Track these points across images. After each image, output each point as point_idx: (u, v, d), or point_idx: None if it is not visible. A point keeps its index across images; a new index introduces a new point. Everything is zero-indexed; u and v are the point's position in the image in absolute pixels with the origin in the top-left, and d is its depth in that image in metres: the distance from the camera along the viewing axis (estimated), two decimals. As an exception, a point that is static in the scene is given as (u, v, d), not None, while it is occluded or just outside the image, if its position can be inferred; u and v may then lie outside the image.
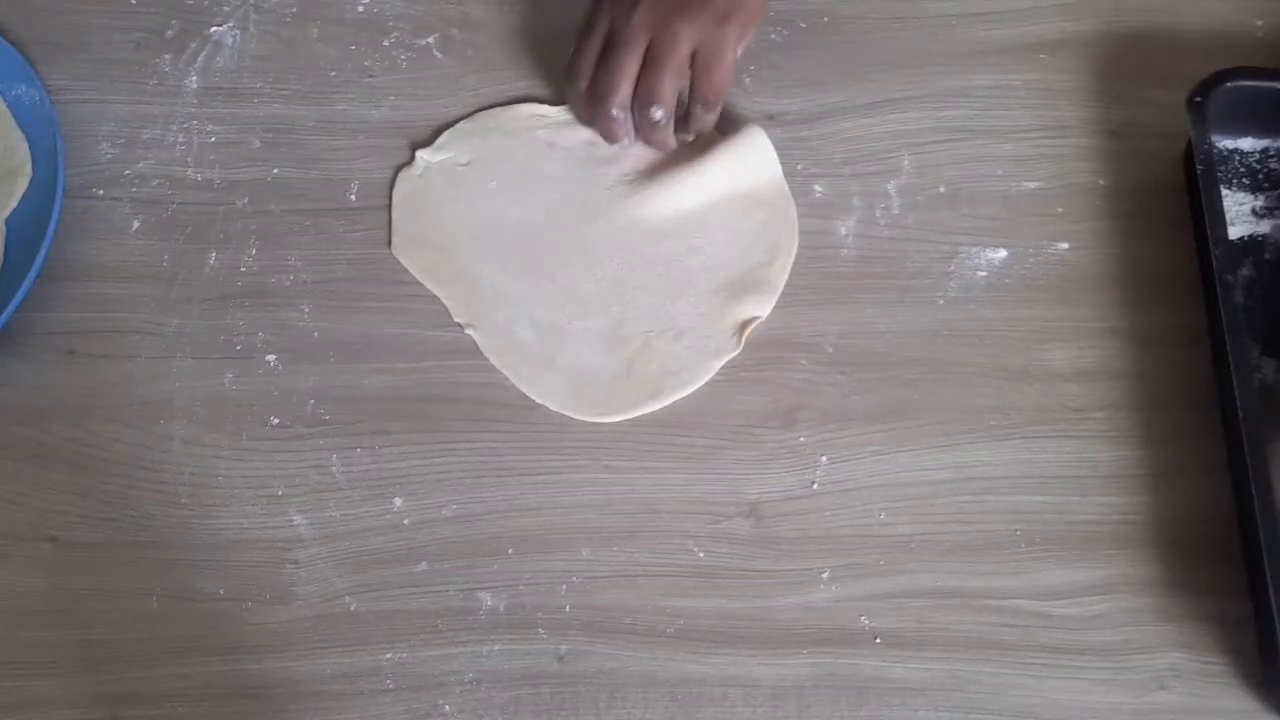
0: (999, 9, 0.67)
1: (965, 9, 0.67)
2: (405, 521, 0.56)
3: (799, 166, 0.63)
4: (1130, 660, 0.53)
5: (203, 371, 0.60)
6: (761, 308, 0.60)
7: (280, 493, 0.57)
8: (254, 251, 0.62)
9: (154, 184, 0.64)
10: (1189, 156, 0.60)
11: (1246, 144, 0.63)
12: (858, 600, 0.54)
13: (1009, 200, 0.62)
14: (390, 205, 0.63)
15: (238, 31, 0.68)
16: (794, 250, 0.61)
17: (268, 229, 0.63)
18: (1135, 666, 0.53)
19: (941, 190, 0.63)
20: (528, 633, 0.54)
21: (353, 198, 0.64)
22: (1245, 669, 0.53)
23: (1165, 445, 0.57)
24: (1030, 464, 0.57)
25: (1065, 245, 0.61)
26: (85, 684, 0.54)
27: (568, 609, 0.55)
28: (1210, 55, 0.63)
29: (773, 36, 0.66)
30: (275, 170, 0.64)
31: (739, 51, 0.60)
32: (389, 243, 0.62)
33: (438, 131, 0.65)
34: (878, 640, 0.54)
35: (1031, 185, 0.63)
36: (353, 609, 0.55)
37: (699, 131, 0.62)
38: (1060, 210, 0.62)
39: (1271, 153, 0.62)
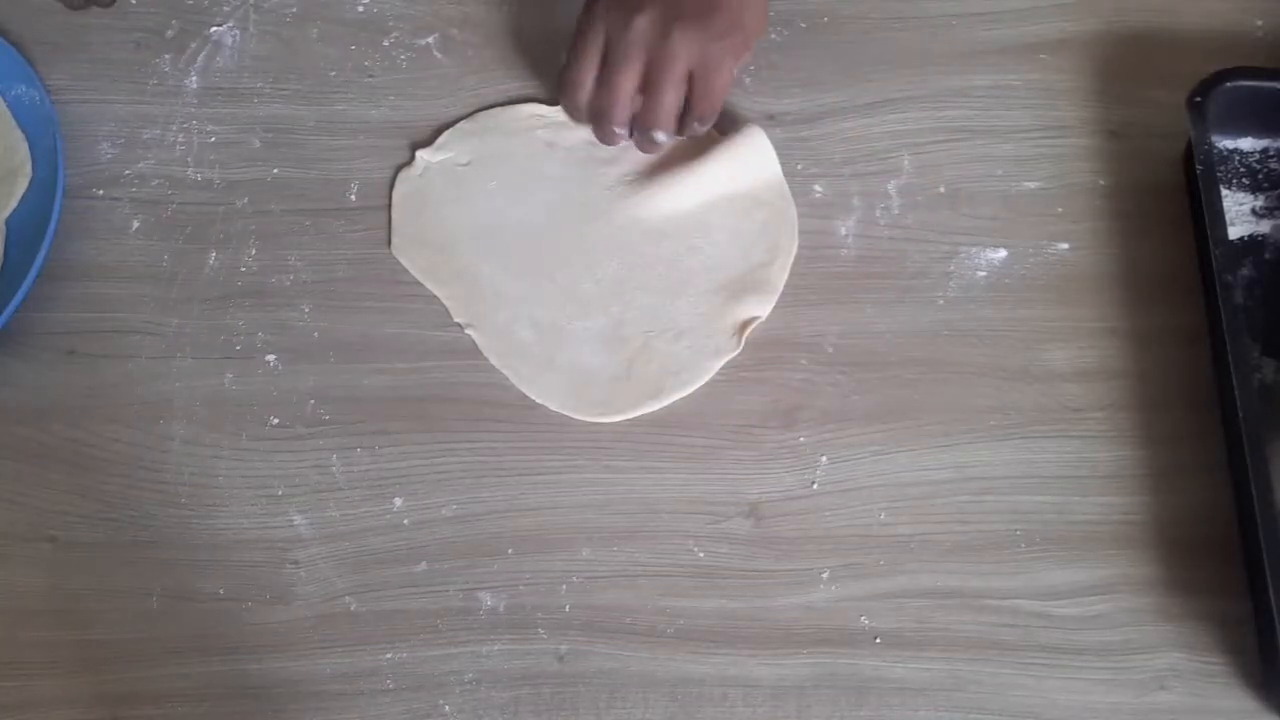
0: (999, 9, 0.67)
1: (965, 9, 0.67)
2: (405, 521, 0.56)
3: (799, 166, 0.63)
4: (1130, 660, 0.53)
5: (203, 371, 0.60)
6: (761, 308, 0.60)
7: (280, 493, 0.57)
8: (254, 251, 0.62)
9: (154, 184, 0.64)
10: (1189, 156, 0.60)
11: (1246, 144, 0.63)
12: (858, 600, 0.54)
13: (1009, 200, 0.62)
14: (390, 205, 0.63)
15: (238, 31, 0.68)
16: (794, 250, 0.61)
17: (268, 229, 0.63)
18: (1135, 666, 0.53)
19: (941, 190, 0.63)
20: (528, 633, 0.54)
21: (353, 198, 0.64)
22: (1245, 669, 0.53)
23: (1165, 445, 0.57)
24: (1030, 464, 0.57)
25: (1065, 245, 0.61)
26: (85, 684, 0.54)
27: (568, 609, 0.55)
28: (1210, 55, 0.63)
29: (773, 36, 0.66)
30: (275, 170, 0.64)
31: (736, 70, 0.60)
32: (389, 243, 0.62)
33: (438, 131, 0.65)
34: (878, 640, 0.54)
35: (1031, 185, 0.63)
36: (353, 609, 0.55)
37: (693, 137, 0.62)
38: (1060, 210, 0.62)
39: (1271, 153, 0.62)
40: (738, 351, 0.59)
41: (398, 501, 0.57)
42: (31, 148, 0.64)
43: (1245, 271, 0.60)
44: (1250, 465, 0.51)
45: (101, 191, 0.64)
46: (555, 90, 0.66)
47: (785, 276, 0.61)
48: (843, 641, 0.54)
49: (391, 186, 0.64)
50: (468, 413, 0.58)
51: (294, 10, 0.69)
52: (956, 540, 0.55)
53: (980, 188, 0.63)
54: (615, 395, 0.58)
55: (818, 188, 0.63)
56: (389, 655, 0.54)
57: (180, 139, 0.65)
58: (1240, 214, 0.61)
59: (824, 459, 0.57)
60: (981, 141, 0.64)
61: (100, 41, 0.68)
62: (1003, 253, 0.61)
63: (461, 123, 0.65)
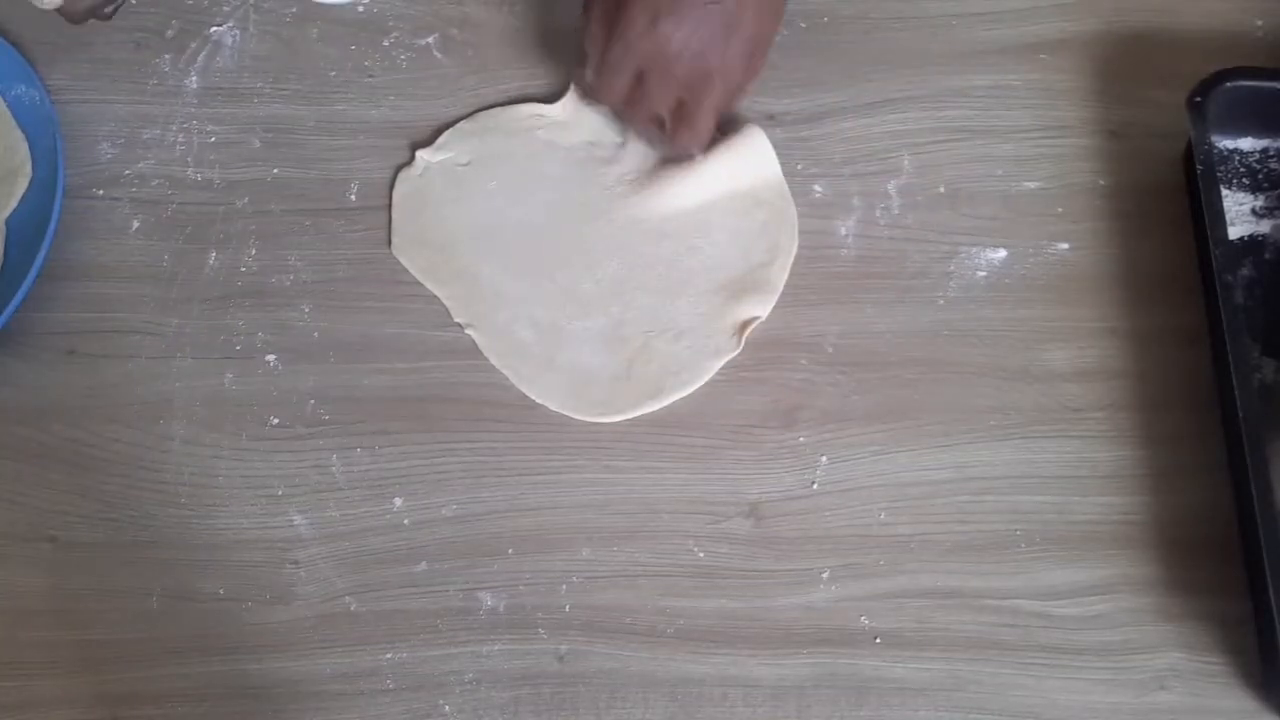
0: (999, 9, 0.67)
1: (965, 9, 0.67)
2: (405, 521, 0.56)
3: (799, 166, 0.63)
4: (1130, 660, 0.53)
5: (203, 371, 0.60)
6: (761, 308, 0.60)
7: (280, 493, 0.57)
8: (254, 251, 0.62)
9: (154, 184, 0.64)
10: (1189, 156, 0.60)
11: (1246, 144, 0.63)
12: (858, 600, 0.54)
13: (1009, 200, 0.62)
14: (390, 205, 0.63)
15: (238, 31, 0.68)
16: (794, 250, 0.61)
17: (268, 229, 0.63)
18: (1135, 666, 0.53)
19: (941, 190, 0.63)
20: (528, 633, 0.54)
21: (353, 198, 0.64)
22: (1245, 669, 0.53)
23: (1165, 445, 0.57)
24: (1030, 464, 0.57)
25: (1065, 245, 0.61)
26: (85, 684, 0.54)
27: (568, 609, 0.55)
28: (1210, 55, 0.63)
29: (773, 36, 0.66)
30: (275, 170, 0.64)
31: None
32: (389, 243, 0.62)
33: (438, 131, 0.65)
34: (878, 640, 0.54)
35: (1031, 185, 0.63)
36: (353, 609, 0.55)
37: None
38: (1060, 210, 0.62)
39: (1271, 153, 0.62)
40: (738, 351, 0.59)
41: (398, 501, 0.57)
42: (31, 148, 0.64)
43: (1245, 271, 0.60)
44: (1250, 465, 0.51)
45: (101, 191, 0.64)
46: (555, 90, 0.66)
47: (785, 276, 0.61)
48: (843, 641, 0.54)
49: (391, 186, 0.64)
50: (468, 413, 0.58)
51: (294, 10, 0.69)
52: (956, 540, 0.55)
53: (980, 188, 0.63)
54: (615, 395, 0.58)
55: (818, 188, 0.63)
56: (389, 655, 0.54)
57: (180, 139, 0.65)
58: (1240, 214, 0.61)
59: (824, 459, 0.57)
60: (981, 141, 0.64)
61: (100, 41, 0.68)
62: (1003, 253, 0.61)
63: (461, 123, 0.65)
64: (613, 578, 0.55)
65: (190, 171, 0.64)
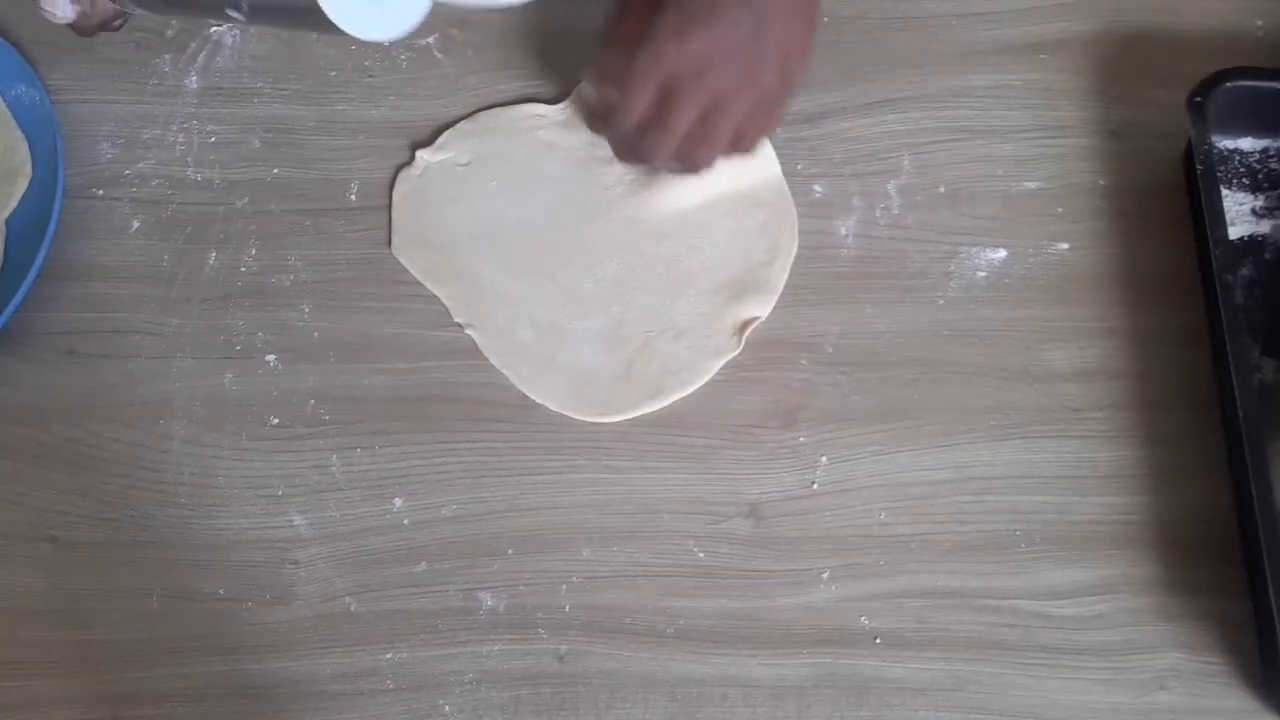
0: (999, 9, 0.67)
1: (965, 9, 0.67)
2: (405, 521, 0.56)
3: (799, 166, 0.63)
4: (1130, 660, 0.53)
5: (203, 371, 0.60)
6: (761, 308, 0.60)
7: (280, 493, 0.57)
8: (254, 251, 0.62)
9: (154, 184, 0.64)
10: (1189, 156, 0.60)
11: (1246, 144, 0.63)
12: (858, 600, 0.54)
13: (1009, 200, 0.62)
14: (390, 205, 0.63)
15: (237, 31, 0.68)
16: (794, 250, 0.61)
17: (268, 229, 0.63)
18: (1135, 666, 0.53)
19: (941, 190, 0.63)
20: (528, 633, 0.54)
21: (353, 198, 0.64)
22: (1245, 669, 0.53)
23: (1165, 445, 0.57)
24: (1030, 464, 0.57)
25: (1065, 245, 0.61)
26: (85, 684, 0.54)
27: (568, 609, 0.55)
28: (1210, 55, 0.63)
29: (773, 36, 0.66)
30: (275, 170, 0.64)
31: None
32: (389, 243, 0.62)
33: (438, 131, 0.65)
34: (878, 640, 0.54)
35: (1031, 185, 0.63)
36: (353, 609, 0.55)
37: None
38: (1060, 210, 0.62)
39: (1271, 153, 0.62)
40: (738, 351, 0.59)
41: (398, 501, 0.57)
42: (31, 148, 0.64)
43: (1245, 271, 0.60)
44: (1250, 465, 0.51)
45: (101, 191, 0.64)
46: (555, 90, 0.66)
47: (785, 276, 0.61)
48: (843, 641, 0.54)
49: (391, 186, 0.64)
50: (468, 413, 0.58)
51: (294, 10, 0.69)
52: (956, 540, 0.55)
53: (980, 188, 0.63)
54: (615, 395, 0.58)
55: (818, 188, 0.63)
56: (389, 655, 0.54)
57: (180, 139, 0.65)
58: (1240, 214, 0.61)
59: (824, 459, 0.57)
60: (981, 141, 0.64)
61: (100, 41, 0.67)
62: (1003, 253, 0.61)
63: (461, 123, 0.65)
64: (613, 578, 0.55)
65: (190, 171, 0.64)
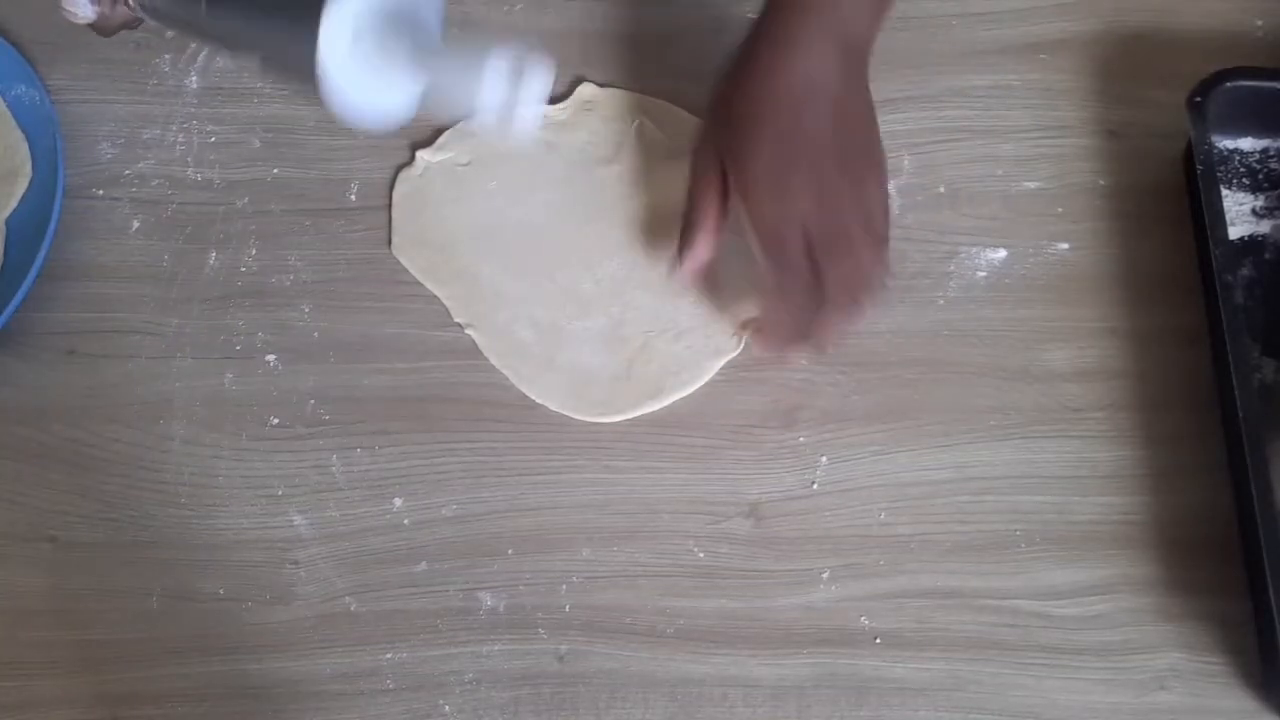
0: (999, 9, 0.67)
1: (965, 9, 0.67)
2: (405, 521, 0.56)
3: (799, 166, 0.63)
4: (1130, 660, 0.53)
5: (203, 371, 0.60)
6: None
7: (280, 493, 0.57)
8: (254, 251, 0.62)
9: (154, 184, 0.64)
10: (1189, 156, 0.60)
11: (1246, 144, 0.63)
12: (858, 600, 0.54)
13: (1009, 200, 0.62)
14: (390, 205, 0.63)
15: (238, 31, 0.68)
16: (794, 250, 0.61)
17: (268, 229, 0.63)
18: (1135, 666, 0.53)
19: (941, 190, 0.63)
20: (528, 633, 0.54)
21: (353, 198, 0.64)
22: (1245, 669, 0.53)
23: (1165, 445, 0.57)
24: (1030, 464, 0.57)
25: (1065, 245, 0.61)
26: (85, 684, 0.54)
27: (568, 609, 0.55)
28: (1210, 55, 0.63)
29: (773, 36, 0.66)
30: (275, 170, 0.64)
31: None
32: (389, 243, 0.62)
33: (438, 131, 0.65)
34: (878, 640, 0.54)
35: (1031, 185, 0.63)
36: (353, 609, 0.55)
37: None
38: (1060, 210, 0.62)
39: (1271, 153, 0.62)
40: (738, 351, 0.59)
41: (398, 501, 0.57)
42: (31, 148, 0.64)
43: (1245, 271, 0.60)
44: (1250, 465, 0.51)
45: (101, 191, 0.64)
46: (555, 90, 0.66)
47: (785, 276, 0.61)
48: (843, 641, 0.54)
49: (391, 186, 0.64)
50: (468, 413, 0.58)
51: (294, 10, 0.69)
52: (956, 540, 0.55)
53: (980, 188, 0.63)
54: (615, 395, 0.58)
55: (818, 188, 0.63)
56: (389, 655, 0.54)
57: (180, 139, 0.65)
58: (1240, 214, 0.61)
59: (824, 459, 0.57)
60: (981, 141, 0.64)
61: (100, 41, 0.67)
62: (1003, 253, 0.61)
63: (461, 123, 0.65)
64: (613, 578, 0.55)
65: (190, 171, 0.64)
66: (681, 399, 0.58)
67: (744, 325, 0.59)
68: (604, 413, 0.58)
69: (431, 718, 0.53)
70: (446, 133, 0.65)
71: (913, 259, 0.61)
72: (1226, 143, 0.62)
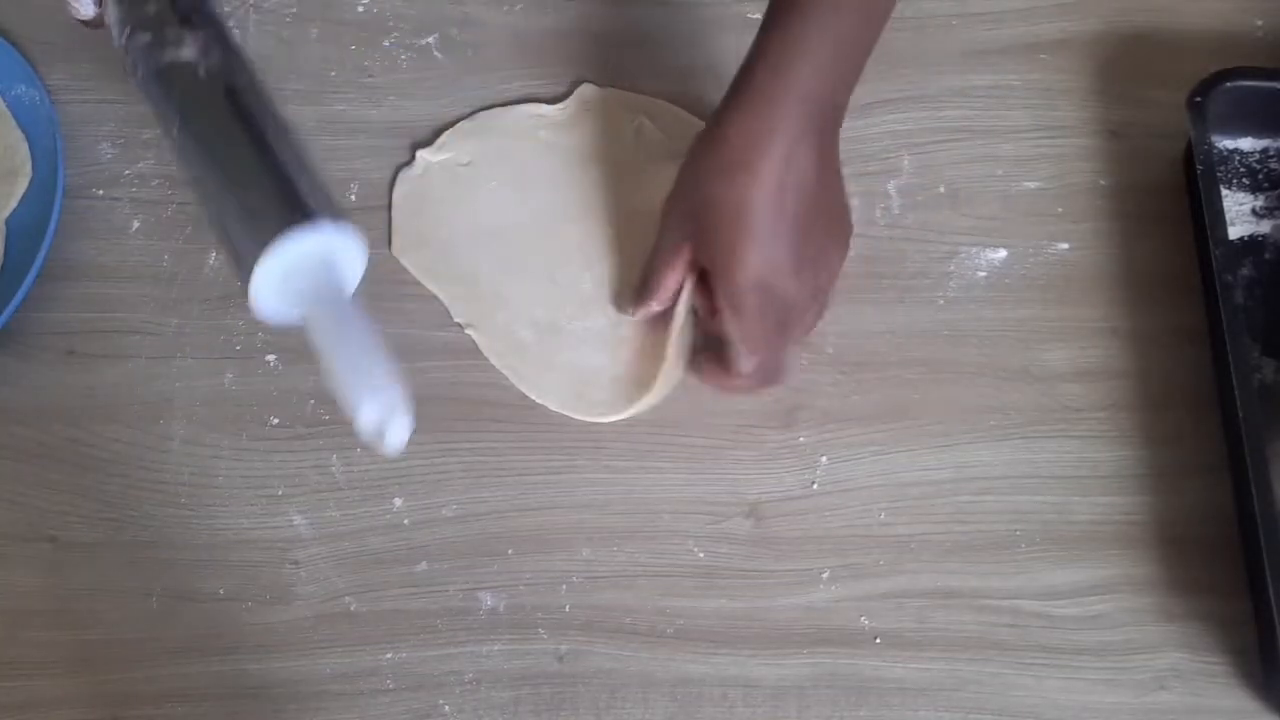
0: (999, 9, 0.67)
1: (965, 9, 0.67)
2: (405, 521, 0.56)
3: (799, 166, 0.63)
4: (1130, 660, 0.53)
5: (203, 371, 0.60)
6: (761, 308, 0.60)
7: (280, 493, 0.57)
8: (254, 251, 0.62)
9: (154, 184, 0.64)
10: (1189, 156, 0.60)
11: (1246, 144, 0.63)
12: (858, 600, 0.54)
13: (1009, 200, 0.62)
14: (390, 205, 0.63)
15: (237, 31, 0.68)
16: (794, 250, 0.61)
17: (268, 229, 0.63)
18: (1135, 666, 0.53)
19: (941, 190, 0.63)
20: (528, 633, 0.54)
21: (353, 198, 0.64)
22: (1245, 669, 0.52)
23: (1165, 445, 0.57)
24: (1030, 464, 0.57)
25: (1065, 245, 0.61)
26: (85, 684, 0.54)
27: (568, 609, 0.55)
28: (1210, 55, 0.63)
29: (773, 36, 0.66)
30: (275, 170, 0.64)
31: None
32: (389, 243, 0.62)
33: (438, 131, 0.65)
34: (878, 640, 0.54)
35: (1031, 185, 0.63)
36: (353, 609, 0.55)
37: None
38: (1060, 210, 0.62)
39: (1271, 153, 0.62)
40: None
41: (398, 501, 0.57)
42: (31, 148, 0.64)
43: (1245, 271, 0.60)
44: (1250, 465, 0.51)
45: (101, 191, 0.64)
46: (556, 90, 0.66)
47: (785, 276, 0.61)
48: (843, 641, 0.54)
49: (391, 186, 0.64)
50: (468, 413, 0.58)
51: (294, 10, 0.69)
52: (956, 540, 0.55)
53: (980, 188, 0.63)
54: (615, 395, 0.58)
55: (818, 188, 0.63)
56: (389, 655, 0.54)
57: (180, 139, 0.65)
58: (1240, 214, 0.61)
59: (824, 459, 0.57)
60: (981, 141, 0.64)
61: (100, 41, 0.67)
62: (1003, 253, 0.61)
63: (461, 123, 0.65)
64: (613, 578, 0.55)
65: (190, 171, 0.64)
66: (681, 399, 0.58)
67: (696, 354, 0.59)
68: (604, 413, 0.58)
69: (431, 718, 0.53)
70: (446, 133, 0.65)
71: (913, 259, 0.61)
72: (1226, 143, 0.62)
